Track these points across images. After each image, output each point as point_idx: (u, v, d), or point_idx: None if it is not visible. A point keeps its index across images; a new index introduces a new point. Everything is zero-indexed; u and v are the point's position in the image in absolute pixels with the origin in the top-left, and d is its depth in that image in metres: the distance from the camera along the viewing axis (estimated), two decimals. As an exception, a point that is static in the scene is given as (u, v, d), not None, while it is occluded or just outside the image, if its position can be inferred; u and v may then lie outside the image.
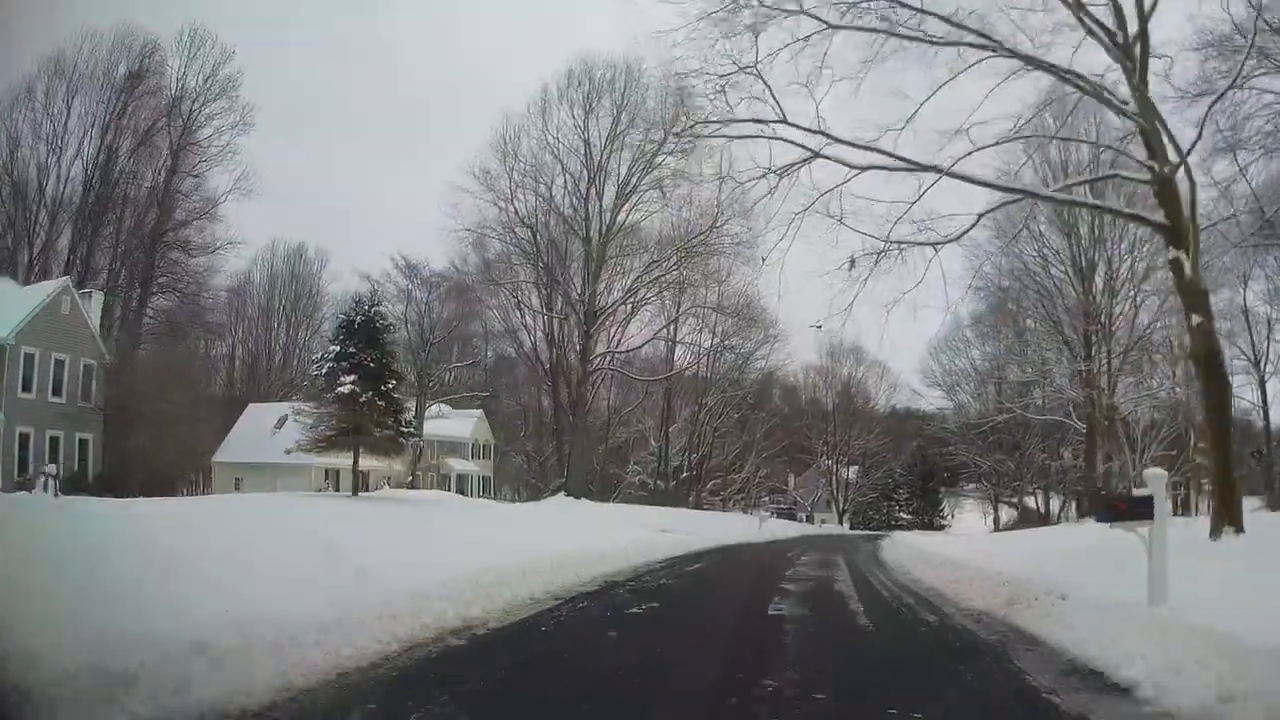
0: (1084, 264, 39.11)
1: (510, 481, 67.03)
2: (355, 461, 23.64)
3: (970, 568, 12.84)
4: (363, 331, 23.44)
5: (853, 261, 15.35)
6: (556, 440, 44.27)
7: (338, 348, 23.61)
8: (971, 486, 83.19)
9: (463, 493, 59.90)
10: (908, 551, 20.22)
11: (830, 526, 65.79)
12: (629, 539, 19.08)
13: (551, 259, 40.33)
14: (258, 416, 55.87)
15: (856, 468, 75.14)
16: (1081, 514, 51.18)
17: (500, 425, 67.89)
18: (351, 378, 22.52)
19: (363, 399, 22.19)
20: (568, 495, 37.29)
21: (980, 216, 14.40)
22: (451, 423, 61.90)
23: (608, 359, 42.75)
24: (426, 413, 38.55)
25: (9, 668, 4.23)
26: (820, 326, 15.68)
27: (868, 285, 15.18)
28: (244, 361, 67.90)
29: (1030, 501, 58.94)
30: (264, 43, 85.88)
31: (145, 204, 53.21)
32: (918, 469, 76.52)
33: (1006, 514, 73.94)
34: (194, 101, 55.32)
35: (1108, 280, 38.51)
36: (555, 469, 45.41)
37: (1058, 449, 47.80)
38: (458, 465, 59.85)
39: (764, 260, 15.07)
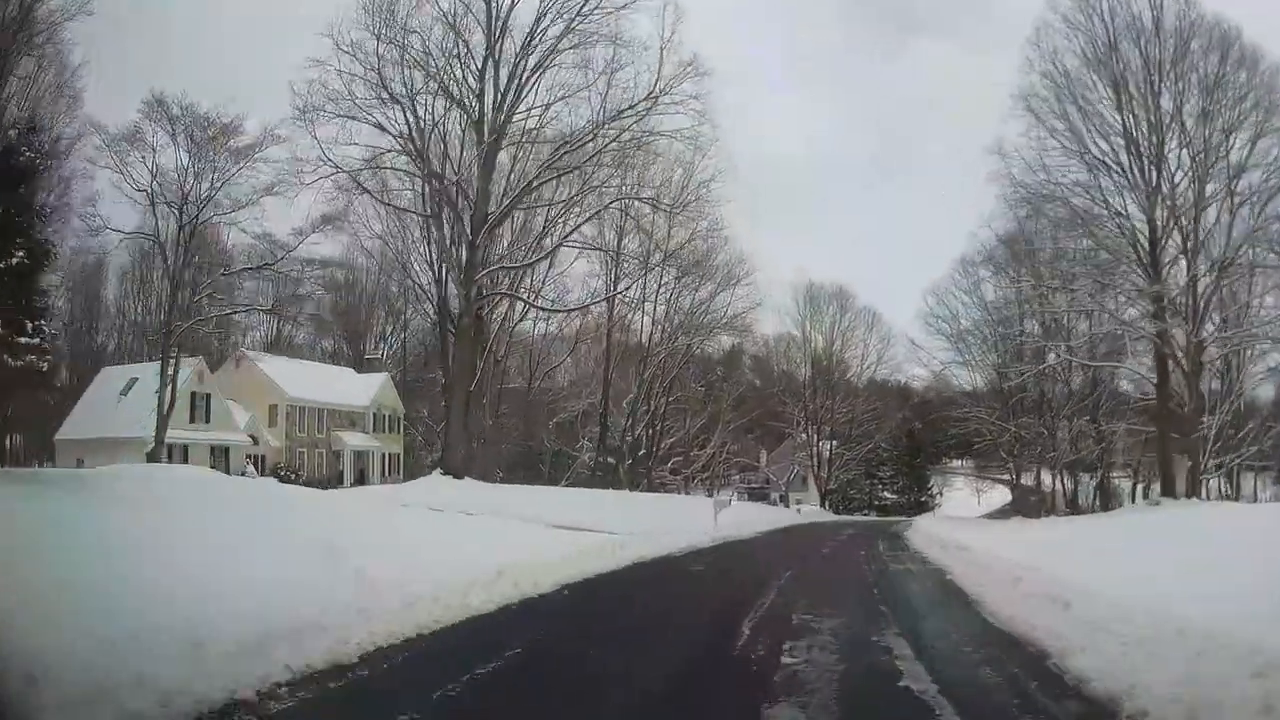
0: (1149, 140, 27.77)
1: (420, 457, 55.82)
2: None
3: None
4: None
5: None
6: (445, 399, 32.98)
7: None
8: (958, 464, 74.09)
9: (362, 474, 49.00)
10: (1055, 610, 7.65)
11: (810, 510, 55.39)
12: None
13: (424, 143, 28.60)
14: (111, 382, 45.08)
15: (835, 443, 64.81)
16: (1108, 499, 41.00)
17: (424, 395, 57.05)
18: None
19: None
20: (444, 473, 26.37)
21: None
22: (346, 386, 50.78)
23: (500, 279, 30.70)
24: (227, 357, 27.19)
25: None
26: None
27: None
28: (119, 316, 57.37)
29: (1031, 480, 48.24)
30: (264, 42, 75.14)
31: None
32: (904, 443, 67.47)
33: (1001, 495, 64.44)
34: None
35: (1190, 167, 27.25)
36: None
37: (1096, 411, 37.41)
38: (352, 440, 48.68)
39: None
